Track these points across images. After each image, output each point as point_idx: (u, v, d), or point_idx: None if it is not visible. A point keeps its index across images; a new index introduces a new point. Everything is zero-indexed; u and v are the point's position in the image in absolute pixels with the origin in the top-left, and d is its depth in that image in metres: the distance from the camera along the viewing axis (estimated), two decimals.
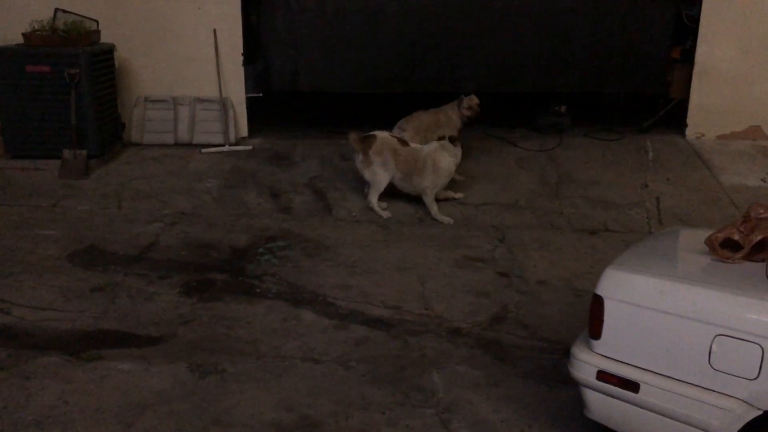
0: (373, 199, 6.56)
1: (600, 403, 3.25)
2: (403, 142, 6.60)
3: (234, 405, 3.81)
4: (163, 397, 3.85)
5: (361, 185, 6.94)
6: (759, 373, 2.81)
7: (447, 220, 6.49)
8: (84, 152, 7.13)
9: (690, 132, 8.33)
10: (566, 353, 3.45)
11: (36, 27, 7.19)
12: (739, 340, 2.85)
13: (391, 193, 6.70)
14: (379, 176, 6.48)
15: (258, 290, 5.17)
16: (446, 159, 6.51)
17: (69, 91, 7.05)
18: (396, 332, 4.65)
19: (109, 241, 5.84)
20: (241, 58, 8.10)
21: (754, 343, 2.81)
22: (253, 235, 6.07)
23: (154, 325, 4.62)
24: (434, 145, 6.60)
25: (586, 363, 3.24)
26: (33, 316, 4.66)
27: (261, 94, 8.59)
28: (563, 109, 8.62)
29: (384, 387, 4.02)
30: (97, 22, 7.62)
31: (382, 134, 6.61)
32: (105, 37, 7.67)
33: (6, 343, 4.33)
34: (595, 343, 3.22)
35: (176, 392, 3.90)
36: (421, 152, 6.53)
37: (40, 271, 5.27)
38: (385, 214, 6.50)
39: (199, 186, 7.03)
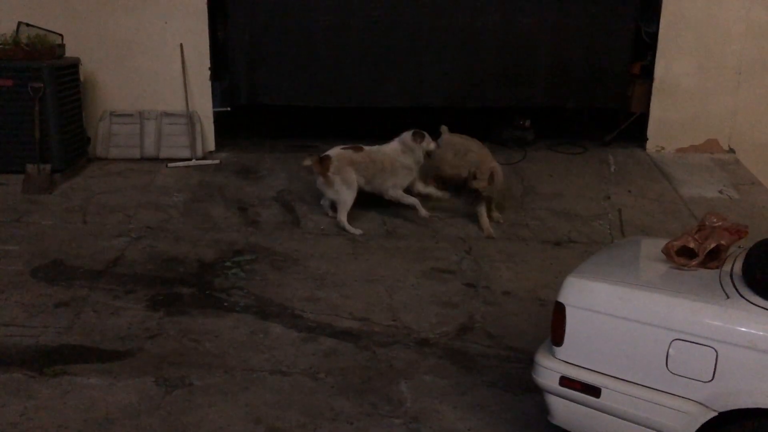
0: (343, 217, 6.52)
1: (563, 409, 3.32)
2: (358, 149, 6.66)
3: (202, 418, 3.80)
4: (130, 412, 3.82)
5: None
6: (714, 375, 2.90)
7: (425, 213, 6.64)
8: (48, 167, 7.05)
9: (650, 145, 8.56)
10: (531, 362, 3.51)
11: None
12: (695, 344, 2.94)
13: (362, 203, 6.73)
14: (344, 194, 6.49)
15: (226, 304, 5.15)
16: (405, 158, 6.64)
17: (33, 105, 6.97)
18: (364, 343, 4.68)
19: (74, 256, 5.77)
20: (208, 72, 8.10)
21: (708, 347, 2.91)
22: (220, 249, 6.05)
23: (120, 340, 4.58)
24: (393, 145, 6.73)
25: (549, 369, 3.31)
26: None
27: (228, 109, 8.60)
28: (527, 123, 8.78)
29: (352, 398, 4.05)
30: (62, 36, 7.56)
31: (335, 151, 6.62)
32: (70, 51, 7.61)
33: None
34: (557, 349, 3.30)
35: (143, 406, 3.87)
36: (378, 153, 6.65)
37: (2, 287, 5.18)
38: (357, 231, 6.48)
39: (165, 200, 7.00)
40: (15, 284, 5.25)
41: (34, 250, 5.83)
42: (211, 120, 8.25)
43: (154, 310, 4.99)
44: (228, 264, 5.78)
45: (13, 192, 6.91)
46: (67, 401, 3.90)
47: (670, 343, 2.99)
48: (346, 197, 6.50)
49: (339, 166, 6.47)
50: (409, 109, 8.77)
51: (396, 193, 6.69)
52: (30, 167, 6.98)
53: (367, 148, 6.71)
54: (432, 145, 6.71)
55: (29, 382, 4.05)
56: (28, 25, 7.35)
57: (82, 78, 7.76)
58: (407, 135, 6.67)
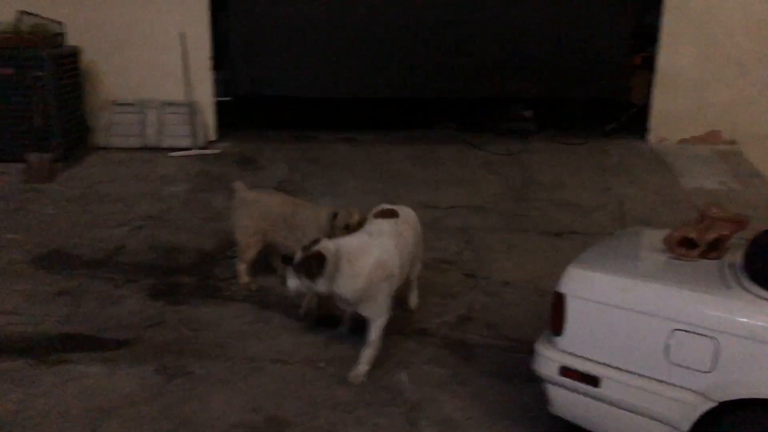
0: None
1: (562, 399, 3.33)
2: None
3: (202, 407, 3.81)
4: (130, 400, 3.83)
5: (331, 189, 6.98)
6: (713, 366, 2.90)
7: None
8: (49, 156, 7.04)
9: (652, 137, 8.54)
10: (530, 352, 3.52)
11: None
12: (695, 335, 2.94)
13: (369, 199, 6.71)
14: None
15: (226, 293, 5.16)
16: None
17: (33, 94, 6.96)
18: (363, 333, 4.68)
19: (75, 245, 5.77)
20: (209, 62, 8.08)
21: (708, 337, 2.91)
22: (220, 239, 6.05)
23: (120, 329, 4.58)
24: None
25: (548, 359, 3.31)
26: None
27: (230, 98, 8.59)
28: (529, 114, 8.77)
29: (352, 387, 4.05)
30: (62, 24, 7.54)
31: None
32: (71, 40, 7.59)
33: None
34: (557, 339, 3.30)
35: (143, 395, 3.88)
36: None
37: (3, 276, 5.18)
38: None
39: (166, 190, 6.99)
40: (16, 273, 5.26)
41: (35, 239, 5.83)
42: (212, 110, 8.24)
43: (155, 299, 4.99)
44: (228, 254, 5.77)
45: (14, 181, 6.91)
46: (68, 389, 3.91)
47: (671, 333, 2.99)
48: None
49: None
50: (410, 99, 8.78)
51: None
52: (31, 156, 6.97)
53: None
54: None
55: (30, 370, 4.06)
56: (28, 13, 7.32)
57: (82, 67, 7.75)
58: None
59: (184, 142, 7.98)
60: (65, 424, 3.61)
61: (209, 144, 8.15)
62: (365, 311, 4.15)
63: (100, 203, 6.63)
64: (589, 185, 7.39)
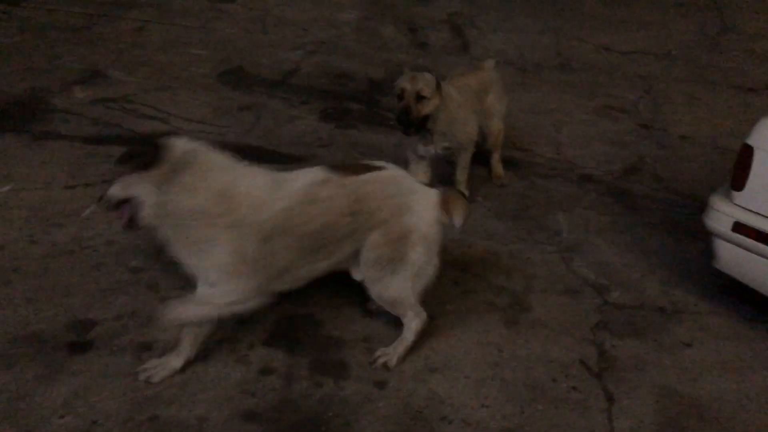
0: None
1: (731, 255, 3.20)
2: None
3: None
4: None
5: (504, 24, 6.69)
6: None
7: None
8: None
9: None
10: (700, 208, 3.36)
11: None
12: None
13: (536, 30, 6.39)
14: None
15: (391, 123, 5.25)
16: None
17: None
18: (524, 173, 4.67)
19: (255, 64, 6.08)
20: None
21: None
22: (388, 69, 6.10)
23: (295, 146, 4.89)
24: None
25: (723, 214, 3.16)
26: (188, 126, 5.05)
27: None
28: None
29: (508, 222, 4.12)
30: None
31: None
32: None
33: None
34: (736, 194, 3.11)
35: None
36: None
37: (192, 87, 5.61)
38: None
39: (338, 16, 7.06)
40: (204, 86, 5.67)
41: (219, 55, 6.20)
42: None
43: (326, 122, 5.23)
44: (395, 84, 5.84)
45: None
46: None
47: None
48: None
49: None
50: None
51: None
52: None
53: None
54: None
55: None
56: None
57: None
58: None
59: None
60: None
61: None
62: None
63: (276, 26, 6.85)
64: None
